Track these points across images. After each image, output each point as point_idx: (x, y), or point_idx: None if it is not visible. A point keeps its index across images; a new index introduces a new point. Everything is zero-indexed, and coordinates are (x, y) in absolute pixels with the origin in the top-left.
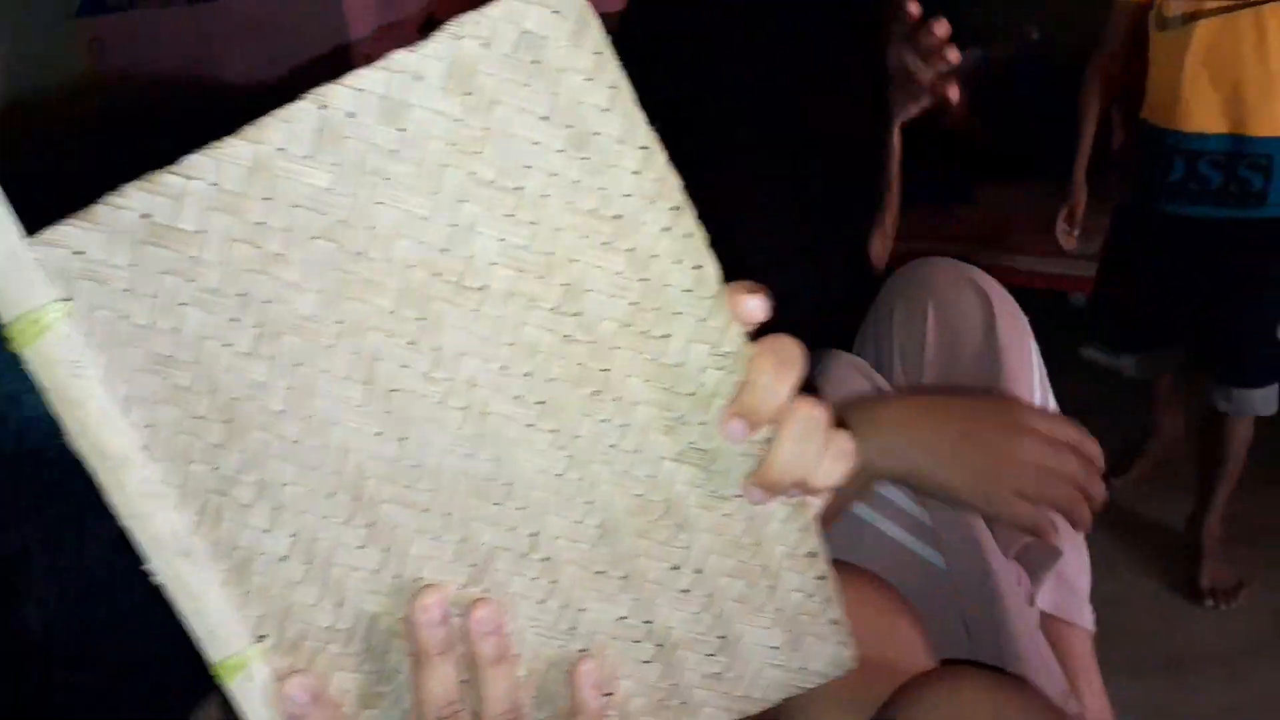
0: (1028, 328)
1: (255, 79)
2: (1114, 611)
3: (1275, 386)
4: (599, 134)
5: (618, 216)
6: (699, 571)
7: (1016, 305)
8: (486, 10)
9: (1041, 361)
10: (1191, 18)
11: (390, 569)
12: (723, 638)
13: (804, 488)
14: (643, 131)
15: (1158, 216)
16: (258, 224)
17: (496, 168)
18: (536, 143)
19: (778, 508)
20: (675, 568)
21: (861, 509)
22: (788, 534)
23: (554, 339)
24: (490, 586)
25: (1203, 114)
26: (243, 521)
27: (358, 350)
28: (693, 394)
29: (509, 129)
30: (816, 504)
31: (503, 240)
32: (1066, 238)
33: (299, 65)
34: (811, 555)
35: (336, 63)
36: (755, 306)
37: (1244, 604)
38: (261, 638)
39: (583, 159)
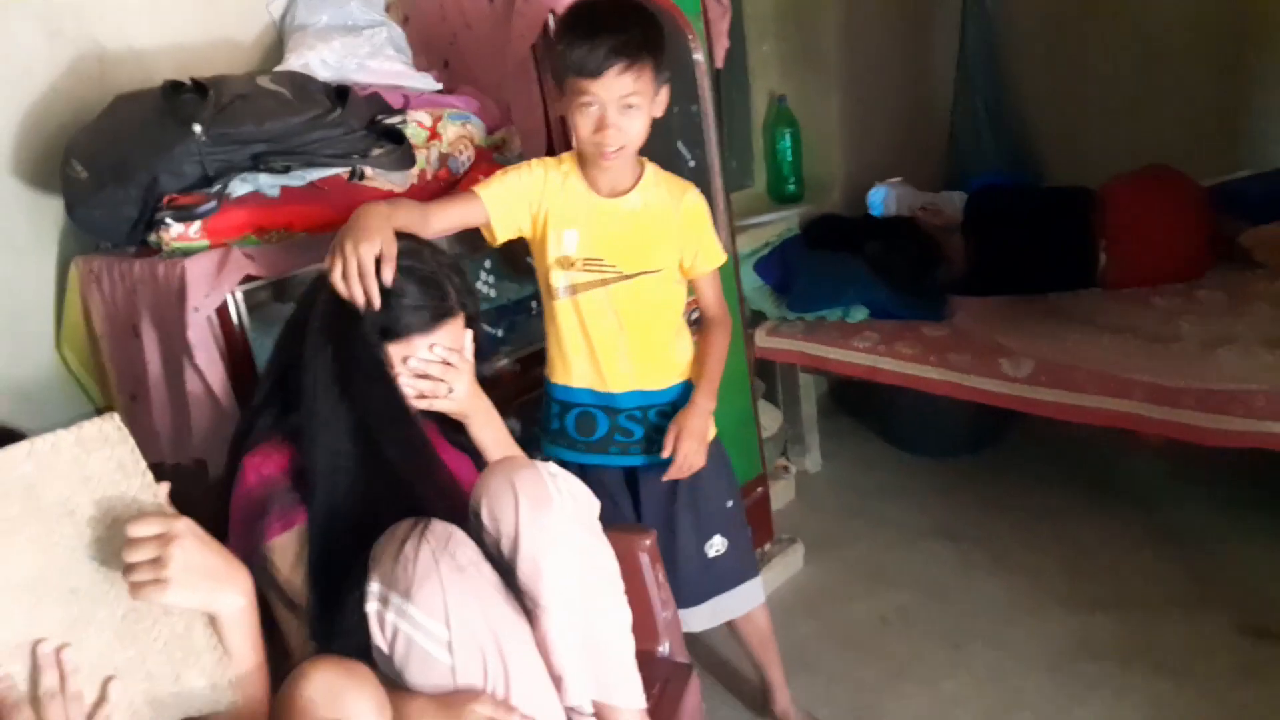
0: (550, 505)
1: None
2: None
3: (708, 603)
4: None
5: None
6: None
7: (544, 492)
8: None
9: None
10: (572, 291)
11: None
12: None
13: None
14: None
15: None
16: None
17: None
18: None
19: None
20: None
21: (410, 630)
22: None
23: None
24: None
25: (580, 371)
26: None
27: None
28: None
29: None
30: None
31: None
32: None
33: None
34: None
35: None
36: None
37: None
38: None
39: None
